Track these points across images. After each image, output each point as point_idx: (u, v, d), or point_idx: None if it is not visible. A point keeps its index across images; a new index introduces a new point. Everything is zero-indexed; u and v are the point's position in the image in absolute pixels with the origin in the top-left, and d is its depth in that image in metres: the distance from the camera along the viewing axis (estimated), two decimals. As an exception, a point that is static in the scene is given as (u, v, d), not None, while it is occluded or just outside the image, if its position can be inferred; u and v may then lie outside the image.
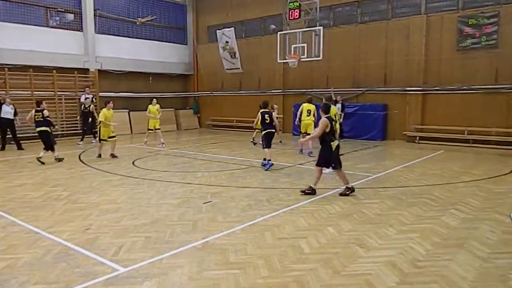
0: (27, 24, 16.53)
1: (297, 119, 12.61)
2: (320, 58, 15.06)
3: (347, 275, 4.03)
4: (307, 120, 12.41)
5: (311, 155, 11.72)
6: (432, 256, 4.50)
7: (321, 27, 14.91)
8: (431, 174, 9.25)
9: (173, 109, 22.37)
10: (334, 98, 14.51)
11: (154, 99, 15.30)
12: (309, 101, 12.65)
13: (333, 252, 4.63)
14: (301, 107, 12.56)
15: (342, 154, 10.87)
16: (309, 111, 12.40)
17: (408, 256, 4.48)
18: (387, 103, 16.24)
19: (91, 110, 16.07)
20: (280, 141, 15.08)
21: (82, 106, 16.76)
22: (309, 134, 12.30)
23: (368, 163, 10.74)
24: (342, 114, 15.02)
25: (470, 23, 14.04)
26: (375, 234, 5.20)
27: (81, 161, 11.45)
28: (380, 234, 5.22)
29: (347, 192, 7.25)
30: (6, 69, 15.60)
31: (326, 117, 7.25)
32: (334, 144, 7.17)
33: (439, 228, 5.44)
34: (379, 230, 5.36)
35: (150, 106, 14.94)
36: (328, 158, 7.24)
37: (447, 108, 14.82)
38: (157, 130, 14.88)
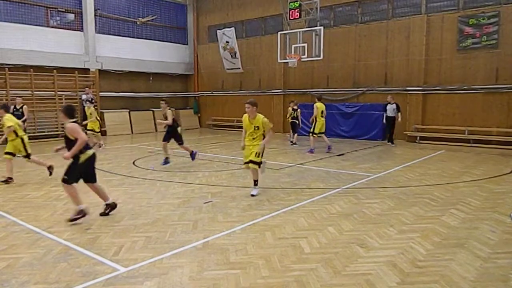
0: (28, 24, 16.55)
1: (312, 119, 12.72)
2: (321, 58, 15.09)
3: (347, 275, 4.03)
4: (322, 120, 12.60)
5: (329, 150, 12.60)
6: (433, 256, 4.50)
7: (321, 27, 14.92)
8: (431, 174, 9.25)
9: (173, 109, 22.33)
10: (390, 101, 14.29)
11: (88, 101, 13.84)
12: (320, 99, 12.85)
13: (334, 252, 4.63)
14: (316, 107, 12.46)
15: (342, 154, 10.82)
16: (322, 112, 12.58)
17: (408, 256, 4.47)
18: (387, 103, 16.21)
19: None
20: (292, 142, 14.85)
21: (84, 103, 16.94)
22: (322, 133, 12.71)
23: (368, 163, 10.73)
24: (400, 114, 14.27)
25: (470, 23, 14.04)
26: (375, 234, 5.20)
27: (81, 161, 11.43)
28: (380, 234, 5.22)
29: (106, 211, 6.07)
30: (6, 69, 15.62)
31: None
32: (84, 156, 5.78)
33: (439, 228, 5.44)
34: (380, 230, 5.35)
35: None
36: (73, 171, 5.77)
37: (448, 108, 14.82)
38: (95, 133, 13.40)
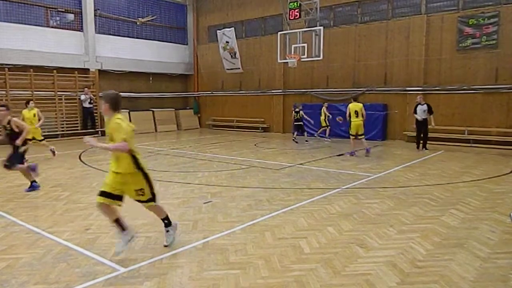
0: (28, 24, 16.54)
1: (347, 120, 12.26)
2: (321, 58, 15.10)
3: (347, 275, 4.03)
4: (357, 121, 11.91)
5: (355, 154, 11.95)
6: (433, 256, 4.50)
7: (321, 27, 14.93)
8: (431, 174, 9.25)
9: (173, 109, 22.40)
10: (421, 102, 12.75)
11: (31, 102, 12.01)
12: (355, 100, 12.48)
13: (333, 252, 4.63)
14: (348, 108, 12.10)
15: (342, 154, 10.88)
16: (356, 112, 11.89)
17: (408, 256, 4.48)
18: (387, 103, 16.24)
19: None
20: (295, 140, 15.70)
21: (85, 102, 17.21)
22: (361, 136, 12.07)
23: (368, 163, 10.73)
24: (432, 116, 12.67)
25: (470, 23, 14.04)
26: (375, 234, 5.20)
27: (81, 161, 11.45)
28: (380, 234, 5.22)
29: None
30: (6, 69, 15.61)
31: None
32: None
33: (439, 228, 5.44)
34: (380, 230, 5.36)
35: (24, 111, 11.73)
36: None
37: (447, 108, 14.82)
38: (40, 142, 11.74)
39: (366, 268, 4.19)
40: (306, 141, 15.71)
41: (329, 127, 16.10)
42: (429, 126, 12.74)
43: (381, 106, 16.20)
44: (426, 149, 12.79)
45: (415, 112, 12.83)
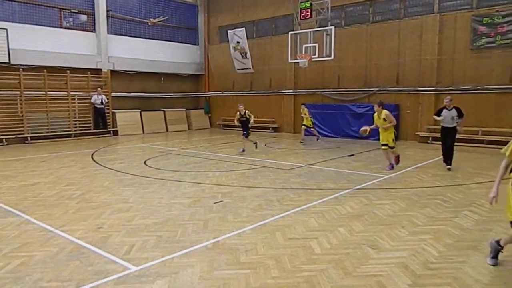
0: (41, 25, 16.79)
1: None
2: (332, 58, 15.02)
3: (358, 276, 4.00)
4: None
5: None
6: (445, 258, 4.44)
7: (332, 27, 14.86)
8: (444, 175, 9.13)
9: (184, 109, 22.50)
10: (448, 106, 9.70)
11: None
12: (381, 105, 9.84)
13: (344, 253, 4.60)
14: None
15: (353, 155, 10.65)
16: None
17: (420, 258, 4.43)
18: (399, 103, 16.08)
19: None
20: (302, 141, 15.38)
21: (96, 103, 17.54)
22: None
23: (379, 164, 10.64)
24: (461, 120, 9.87)
25: (484, 22, 13.82)
26: (386, 235, 5.15)
27: (93, 160, 11.58)
28: (392, 235, 5.17)
29: None
30: (20, 69, 15.86)
31: None
32: None
33: (452, 229, 5.37)
34: (391, 231, 5.31)
35: None
36: None
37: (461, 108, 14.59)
38: None
39: (378, 270, 4.15)
40: (318, 139, 15.69)
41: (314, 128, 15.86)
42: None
43: (393, 106, 16.03)
44: (449, 166, 9.73)
45: (438, 114, 9.85)
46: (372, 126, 9.85)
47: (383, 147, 9.85)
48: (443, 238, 5.03)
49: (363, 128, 9.78)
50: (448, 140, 9.82)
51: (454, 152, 9.97)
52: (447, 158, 9.85)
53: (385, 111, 9.61)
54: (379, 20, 16.69)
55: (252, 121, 12.88)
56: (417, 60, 15.49)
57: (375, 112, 9.87)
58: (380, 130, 9.81)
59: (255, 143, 13.34)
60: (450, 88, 14.74)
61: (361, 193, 7.46)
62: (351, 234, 5.24)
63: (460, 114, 9.72)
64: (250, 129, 13.14)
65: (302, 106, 15.84)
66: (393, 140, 9.75)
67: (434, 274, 4.03)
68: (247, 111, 12.99)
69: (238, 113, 12.95)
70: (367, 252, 4.62)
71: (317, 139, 15.73)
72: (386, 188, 7.83)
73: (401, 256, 4.49)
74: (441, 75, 15.02)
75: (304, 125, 15.53)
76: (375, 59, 16.61)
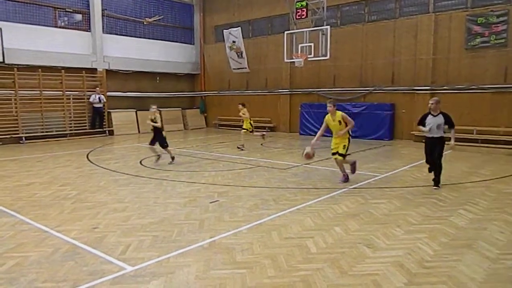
0: (36, 24, 16.69)
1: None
2: (327, 57, 15.06)
3: (354, 275, 4.01)
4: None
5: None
6: (440, 256, 4.47)
7: (328, 26, 14.89)
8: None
9: (180, 109, 22.46)
10: (433, 112, 7.75)
11: None
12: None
13: (340, 252, 4.61)
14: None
15: (349, 154, 10.60)
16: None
17: (415, 257, 4.45)
18: (394, 102, 16.14)
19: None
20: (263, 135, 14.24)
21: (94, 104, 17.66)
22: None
23: (375, 163, 10.68)
24: (452, 131, 8.07)
25: (479, 21, 13.90)
26: (382, 234, 5.17)
27: (89, 160, 11.53)
28: (387, 234, 5.19)
29: None
30: (15, 69, 15.75)
31: None
32: None
33: (447, 228, 5.40)
34: (387, 230, 5.33)
35: None
36: None
37: (456, 108, 14.62)
38: None
39: (373, 268, 4.17)
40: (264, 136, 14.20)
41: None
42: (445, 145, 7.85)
43: (388, 105, 16.11)
44: (438, 187, 7.74)
45: (421, 124, 7.84)
46: (318, 135, 8.37)
47: (333, 156, 8.33)
48: (438, 237, 5.06)
49: (306, 151, 8.19)
50: (433, 151, 7.67)
51: (450, 151, 8.65)
52: (435, 177, 7.82)
53: (340, 113, 8.18)
54: (374, 20, 16.74)
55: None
56: (412, 60, 15.56)
57: (327, 114, 8.27)
58: (333, 135, 8.30)
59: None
60: (445, 87, 14.82)
61: (356, 192, 7.48)
62: (347, 233, 5.26)
63: (449, 124, 7.72)
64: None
65: (240, 106, 13.66)
66: (344, 147, 8.19)
67: (429, 273, 4.06)
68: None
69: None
70: (363, 251, 4.63)
71: (263, 137, 14.17)
72: (382, 187, 7.85)
73: (397, 255, 4.50)
74: (436, 75, 15.09)
75: (245, 129, 13.52)
76: (370, 58, 16.66)
